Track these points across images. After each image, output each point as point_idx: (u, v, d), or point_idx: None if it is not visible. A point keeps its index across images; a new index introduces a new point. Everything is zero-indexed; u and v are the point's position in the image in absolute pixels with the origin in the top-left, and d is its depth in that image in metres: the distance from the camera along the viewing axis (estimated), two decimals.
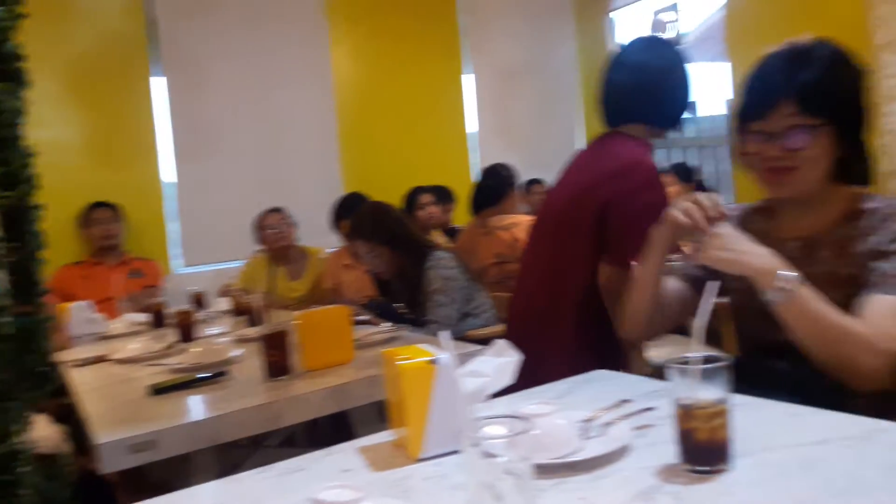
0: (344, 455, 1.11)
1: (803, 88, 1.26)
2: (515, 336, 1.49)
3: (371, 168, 5.09)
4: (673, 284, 1.47)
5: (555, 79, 6.29)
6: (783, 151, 1.27)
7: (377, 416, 1.97)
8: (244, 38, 4.80)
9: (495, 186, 3.63)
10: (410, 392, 1.06)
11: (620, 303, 1.52)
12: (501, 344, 1.20)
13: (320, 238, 4.16)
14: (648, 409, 1.10)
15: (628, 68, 1.88)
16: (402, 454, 1.07)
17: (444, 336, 0.92)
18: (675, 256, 1.46)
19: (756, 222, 1.44)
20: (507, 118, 5.94)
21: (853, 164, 1.33)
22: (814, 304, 1.16)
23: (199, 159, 4.61)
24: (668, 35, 5.88)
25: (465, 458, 0.79)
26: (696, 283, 1.44)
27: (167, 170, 4.54)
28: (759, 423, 1.02)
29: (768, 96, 1.29)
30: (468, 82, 5.83)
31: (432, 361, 1.06)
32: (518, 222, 3.46)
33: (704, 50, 6.10)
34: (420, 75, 5.52)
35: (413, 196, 4.39)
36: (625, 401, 1.13)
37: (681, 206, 1.28)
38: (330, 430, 2.36)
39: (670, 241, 1.36)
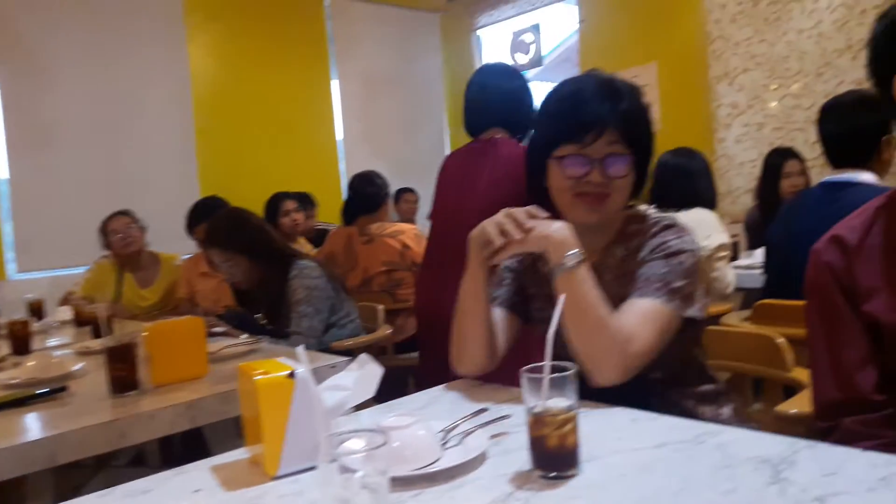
0: (195, 474, 1.06)
1: (625, 118, 1.32)
2: (428, 342, 1.49)
3: (231, 171, 4.91)
4: (496, 313, 1.44)
5: (421, 90, 6.39)
6: (604, 177, 1.31)
7: (234, 432, 1.90)
8: (91, 31, 4.50)
9: (372, 195, 3.61)
10: (267, 408, 1.03)
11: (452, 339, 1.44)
12: (363, 357, 1.19)
13: (174, 244, 3.96)
14: (504, 417, 1.13)
15: (490, 86, 2.37)
16: (258, 472, 1.04)
17: (301, 351, 0.90)
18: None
19: None
20: (373, 126, 5.95)
21: (638, 189, 1.40)
22: (586, 286, 1.20)
23: (36, 154, 4.25)
24: (528, 55, 6.13)
25: (321, 472, 0.78)
26: (515, 308, 1.47)
27: None
28: (602, 428, 1.08)
29: (594, 123, 1.30)
30: (336, 88, 5.79)
31: (290, 375, 1.04)
32: (403, 230, 3.48)
33: (561, 71, 6.43)
34: (286, 78, 5.41)
35: (276, 202, 4.27)
36: (482, 409, 1.16)
37: (494, 223, 1.28)
38: (183, 447, 2.25)
39: (487, 261, 1.32)
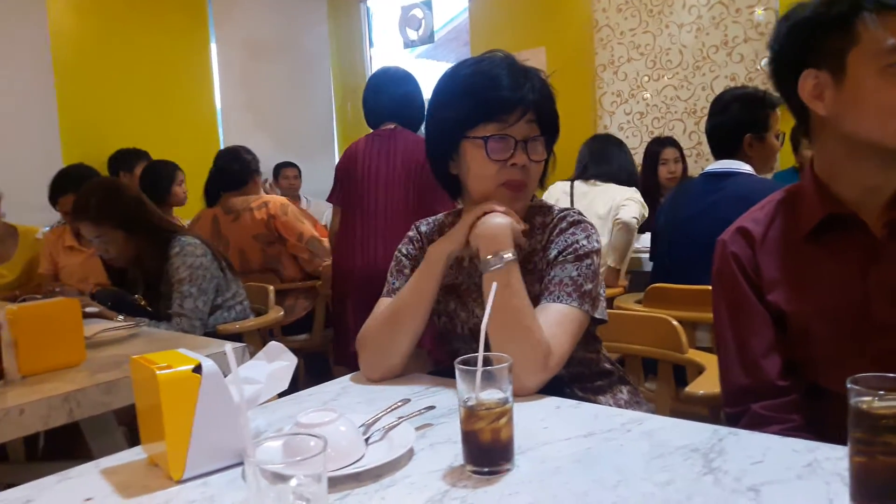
0: (83, 479, 0.94)
1: (540, 100, 1.29)
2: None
3: (98, 140, 4.51)
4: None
5: (307, 60, 6.14)
6: (527, 161, 1.28)
7: (113, 425, 1.74)
8: None
9: (238, 171, 3.37)
10: (170, 405, 0.92)
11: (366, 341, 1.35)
12: (275, 347, 1.11)
13: (34, 215, 3.59)
14: (429, 408, 1.09)
15: (382, 92, 2.80)
16: (159, 475, 0.94)
17: (229, 352, 0.81)
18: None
19: None
20: (255, 96, 5.66)
21: (543, 178, 1.37)
22: (516, 287, 1.19)
23: None
24: (418, 31, 6.05)
25: (248, 479, 0.70)
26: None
27: None
28: (529, 417, 1.06)
29: (516, 102, 1.25)
30: (215, 54, 5.45)
31: (196, 370, 0.94)
32: (268, 200, 3.29)
33: (451, 49, 6.41)
34: (158, 40, 5.01)
35: (171, 172, 3.92)
36: (404, 400, 1.11)
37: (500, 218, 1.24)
38: (52, 443, 2.03)
39: (452, 257, 1.29)
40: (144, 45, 4.91)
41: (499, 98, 1.26)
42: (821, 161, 1.15)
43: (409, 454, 0.94)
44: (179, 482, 0.91)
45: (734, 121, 2.32)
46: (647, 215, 3.04)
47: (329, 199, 2.90)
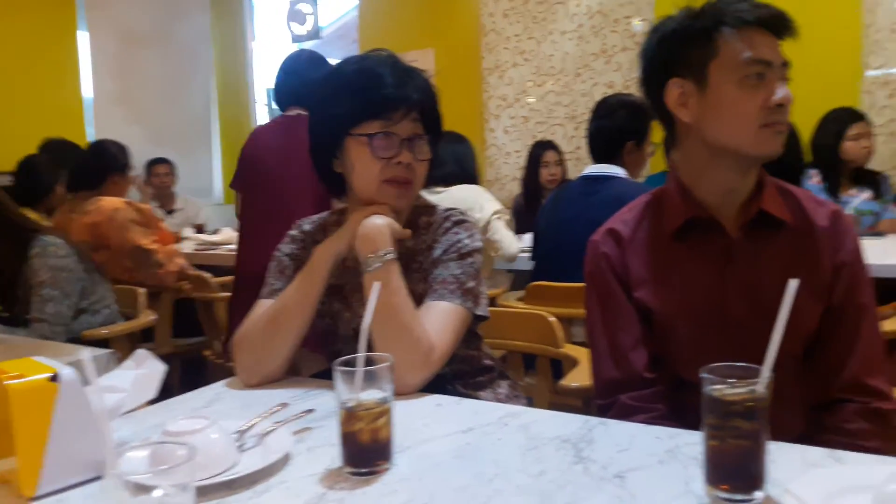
0: None
1: (425, 100, 1.30)
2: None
3: None
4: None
5: (187, 52, 5.89)
6: (412, 159, 1.27)
7: None
8: None
9: (97, 168, 3.10)
10: (23, 416, 0.86)
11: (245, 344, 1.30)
12: (141, 353, 1.05)
13: None
14: (308, 411, 1.07)
15: (290, 73, 2.64)
16: (10, 492, 0.87)
17: (87, 358, 0.76)
18: None
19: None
20: (129, 87, 5.36)
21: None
22: (396, 285, 1.19)
23: None
24: (305, 26, 5.95)
25: (106, 492, 0.66)
26: None
27: None
28: (409, 416, 1.06)
29: (401, 100, 1.25)
30: (84, 41, 5.10)
31: (53, 378, 0.87)
32: (102, 204, 2.96)
33: (339, 46, 6.33)
34: (18, 23, 4.64)
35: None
36: (282, 404, 1.08)
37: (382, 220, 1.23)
38: None
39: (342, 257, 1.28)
40: (1, 29, 4.53)
41: (383, 96, 1.25)
42: (684, 166, 1.22)
43: (286, 459, 0.92)
44: (32, 500, 0.85)
45: (618, 127, 2.40)
46: (498, 209, 2.96)
47: (231, 185, 2.79)
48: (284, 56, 2.75)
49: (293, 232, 1.43)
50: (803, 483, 0.74)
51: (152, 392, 1.03)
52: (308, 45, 5.92)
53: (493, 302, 2.60)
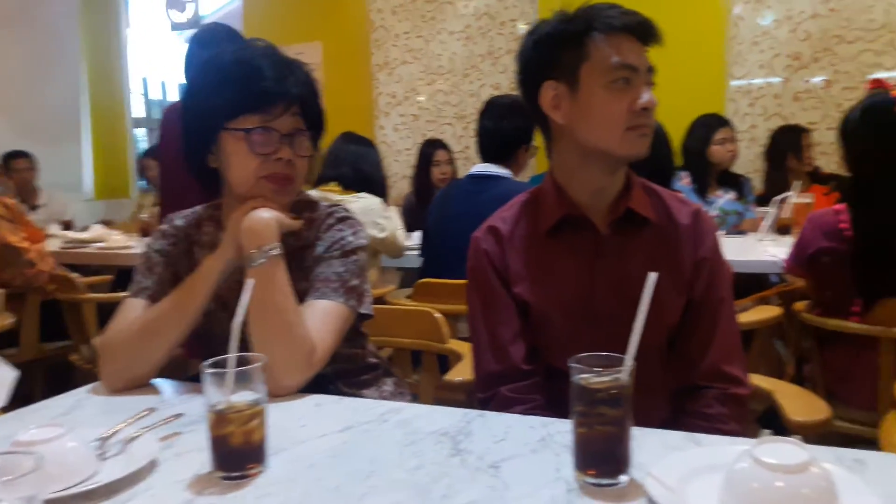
0: None
1: (306, 94, 1.27)
2: None
3: None
4: (141, 307, 1.26)
5: (51, 35, 5.49)
6: (293, 155, 1.23)
7: None
8: None
9: None
10: None
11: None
12: None
13: None
14: (177, 415, 1.02)
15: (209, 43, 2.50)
16: None
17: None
18: None
19: (208, 234, 1.34)
20: None
21: (309, 172, 1.34)
22: (280, 283, 1.16)
23: None
24: (185, 13, 5.70)
25: None
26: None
27: None
28: (286, 418, 1.04)
29: (281, 94, 1.21)
30: None
31: None
32: None
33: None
34: None
35: None
36: (149, 409, 1.02)
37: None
38: None
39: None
40: None
41: (261, 89, 1.21)
42: (558, 166, 1.26)
43: (151, 466, 0.87)
44: None
45: (514, 129, 2.42)
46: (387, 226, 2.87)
47: (149, 154, 2.68)
48: (172, 39, 2.76)
49: (164, 227, 1.36)
50: (663, 465, 0.78)
51: (3, 399, 0.95)
52: (189, 33, 5.67)
53: (381, 300, 2.60)
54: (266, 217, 1.20)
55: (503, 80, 4.37)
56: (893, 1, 3.57)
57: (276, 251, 1.18)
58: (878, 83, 2.00)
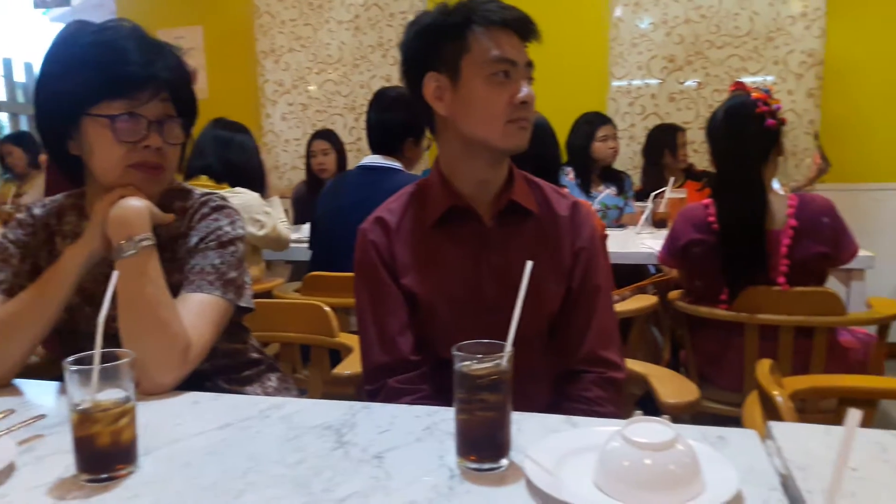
0: None
1: (176, 79, 1.20)
2: None
3: None
4: None
5: None
6: (163, 143, 1.18)
7: None
8: None
9: None
10: None
11: None
12: None
13: None
14: (39, 417, 0.95)
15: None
16: None
17: None
18: None
19: (70, 223, 1.27)
20: None
21: (180, 160, 1.28)
22: (152, 275, 1.11)
23: None
24: None
25: None
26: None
27: None
28: (160, 416, 0.99)
29: (149, 79, 1.15)
30: None
31: None
32: None
33: (94, 17, 5.73)
34: None
35: None
36: (8, 411, 0.95)
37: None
38: None
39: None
40: None
41: (127, 73, 1.14)
42: (444, 158, 1.26)
43: (9, 471, 0.81)
44: None
45: (400, 121, 2.42)
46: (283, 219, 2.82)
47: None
48: (37, 18, 2.47)
49: (21, 216, 1.26)
50: (541, 448, 0.81)
51: None
52: (56, 13, 5.30)
53: (269, 294, 2.53)
54: (137, 206, 1.13)
55: (394, 72, 4.33)
56: (757, 10, 3.84)
57: (148, 241, 1.12)
58: (739, 85, 2.14)
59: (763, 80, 3.88)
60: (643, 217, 3.20)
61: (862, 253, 2.37)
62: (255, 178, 2.69)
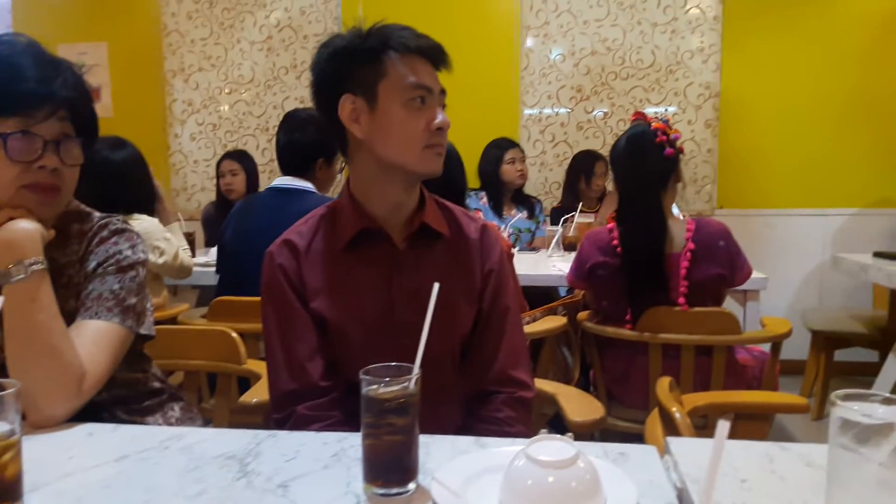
0: None
1: (75, 97, 1.15)
2: None
3: None
4: None
5: None
6: (60, 163, 1.12)
7: None
8: None
9: None
10: None
11: None
12: None
13: None
14: None
15: None
16: None
17: None
18: None
19: None
20: None
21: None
22: (38, 306, 1.05)
23: None
24: None
25: None
26: None
27: None
28: (51, 450, 0.94)
29: (46, 97, 1.10)
30: None
31: None
32: None
33: None
34: None
35: None
36: None
37: None
38: None
39: None
40: None
41: (21, 91, 1.09)
42: (356, 180, 1.26)
43: None
44: None
45: (310, 142, 2.39)
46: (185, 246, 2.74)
47: None
48: None
49: None
50: (448, 469, 0.81)
51: None
52: None
53: (174, 320, 2.43)
54: (27, 228, 1.08)
55: (308, 94, 4.30)
56: (658, 45, 4.05)
57: (39, 266, 1.06)
58: (639, 115, 2.24)
59: (665, 110, 4.09)
60: (554, 240, 3.29)
61: (756, 275, 2.52)
62: (145, 203, 2.54)
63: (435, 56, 1.21)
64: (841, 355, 3.57)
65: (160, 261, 2.52)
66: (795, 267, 4.12)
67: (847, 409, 0.69)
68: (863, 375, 3.57)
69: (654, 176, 2.12)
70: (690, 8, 4.03)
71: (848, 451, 0.68)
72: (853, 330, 3.47)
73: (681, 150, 2.15)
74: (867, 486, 0.68)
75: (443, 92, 1.23)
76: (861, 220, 4.06)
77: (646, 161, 2.12)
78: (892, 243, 3.86)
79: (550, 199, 4.16)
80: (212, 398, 1.87)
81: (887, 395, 0.71)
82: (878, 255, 3.05)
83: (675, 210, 2.27)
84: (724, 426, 0.62)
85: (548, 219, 3.86)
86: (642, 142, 2.13)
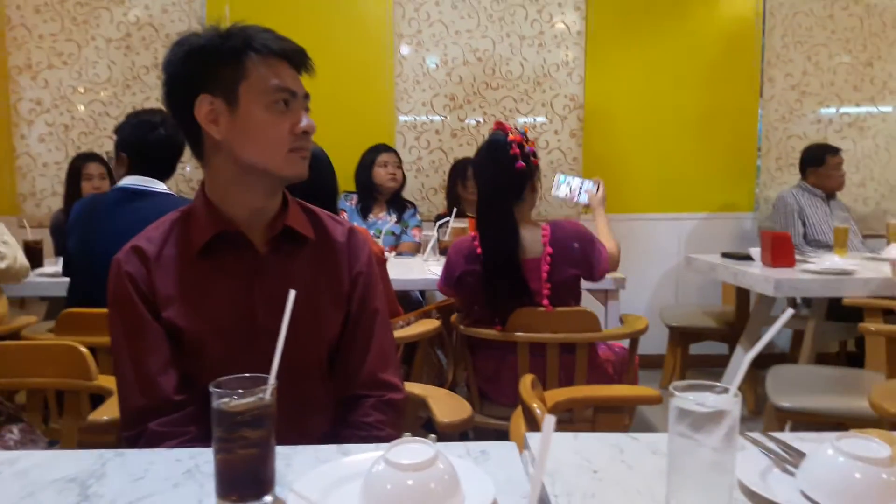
0: None
1: None
2: None
3: None
4: None
5: None
6: None
7: None
8: None
9: None
10: None
11: None
12: None
13: None
14: None
15: None
16: None
17: None
18: None
19: None
20: None
21: None
22: None
23: None
24: None
25: None
26: None
27: None
28: None
29: None
30: None
31: None
32: None
33: None
34: None
35: None
36: None
37: None
38: None
39: None
40: None
41: None
42: (212, 182, 1.21)
43: None
44: None
45: (173, 141, 2.26)
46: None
47: None
48: None
49: None
50: (306, 480, 0.79)
51: None
52: None
53: (16, 335, 2.23)
54: None
55: None
56: (526, 57, 4.19)
57: None
58: (499, 125, 2.30)
59: (533, 120, 4.23)
60: (430, 245, 3.32)
61: (615, 275, 2.66)
62: None
63: (297, 59, 1.19)
64: (695, 349, 3.84)
65: (3, 265, 2.30)
66: (653, 267, 4.39)
67: (683, 398, 0.74)
68: (715, 367, 3.87)
69: (507, 186, 2.19)
70: (556, 23, 4.21)
71: (684, 437, 0.73)
72: (705, 325, 3.74)
73: (534, 163, 2.22)
74: (702, 469, 0.73)
75: (306, 96, 1.20)
76: (711, 223, 4.39)
77: (500, 171, 2.18)
78: (738, 244, 4.20)
79: (427, 204, 4.20)
80: (60, 417, 1.73)
81: (721, 384, 0.76)
82: (725, 255, 3.31)
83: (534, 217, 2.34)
84: (550, 420, 0.64)
85: (425, 224, 3.89)
86: (497, 152, 2.20)
